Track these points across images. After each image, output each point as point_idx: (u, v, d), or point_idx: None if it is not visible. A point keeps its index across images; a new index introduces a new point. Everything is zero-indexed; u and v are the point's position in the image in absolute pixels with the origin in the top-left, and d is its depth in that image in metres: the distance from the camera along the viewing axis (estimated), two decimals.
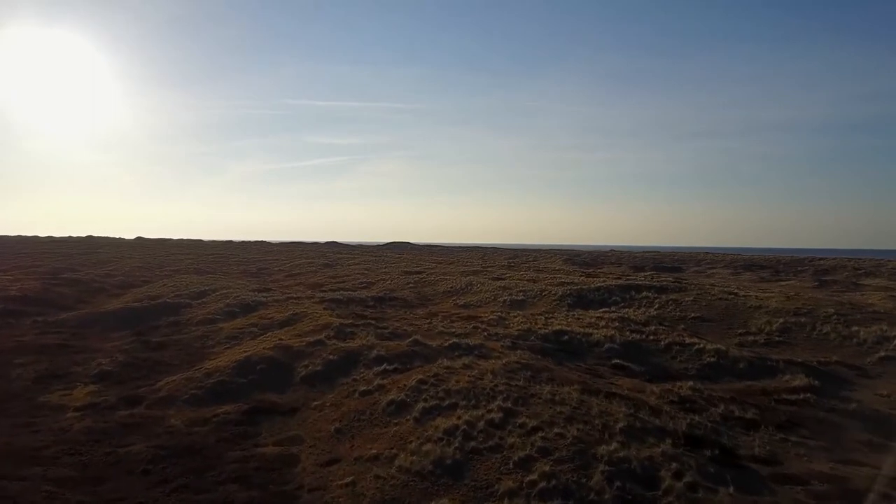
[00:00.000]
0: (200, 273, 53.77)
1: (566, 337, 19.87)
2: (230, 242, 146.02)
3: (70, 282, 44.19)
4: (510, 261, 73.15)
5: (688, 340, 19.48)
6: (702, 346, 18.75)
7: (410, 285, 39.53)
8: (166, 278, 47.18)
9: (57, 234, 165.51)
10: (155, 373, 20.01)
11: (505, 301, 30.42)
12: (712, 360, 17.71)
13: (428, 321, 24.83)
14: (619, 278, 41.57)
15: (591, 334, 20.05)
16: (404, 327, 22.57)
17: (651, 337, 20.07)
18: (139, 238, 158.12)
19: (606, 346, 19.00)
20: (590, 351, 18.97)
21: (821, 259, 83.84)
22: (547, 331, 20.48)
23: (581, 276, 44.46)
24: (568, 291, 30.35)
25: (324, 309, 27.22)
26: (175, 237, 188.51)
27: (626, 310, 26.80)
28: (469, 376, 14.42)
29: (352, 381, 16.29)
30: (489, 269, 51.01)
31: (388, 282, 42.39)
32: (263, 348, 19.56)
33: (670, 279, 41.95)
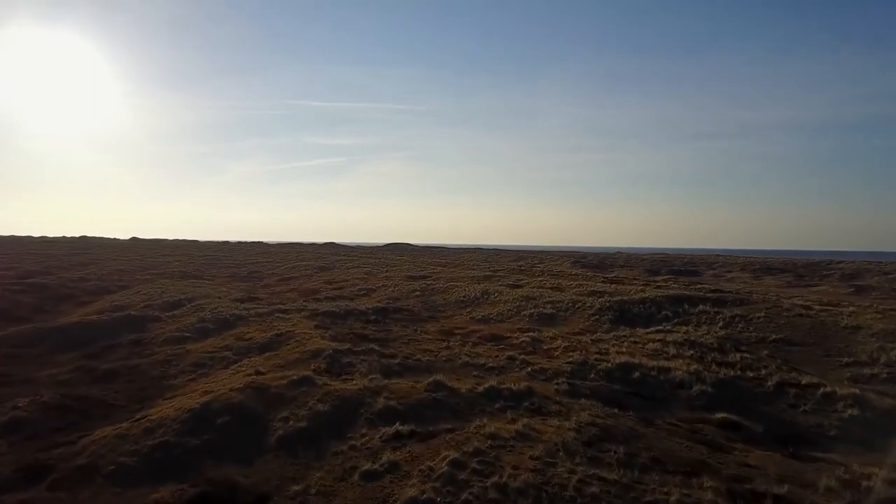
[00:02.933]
0: (185, 277, 48.30)
1: (637, 374, 14.53)
2: (226, 243, 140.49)
3: (35, 287, 38.70)
4: (517, 264, 67.84)
5: (804, 380, 14.16)
6: (828, 388, 13.45)
7: (416, 293, 34.14)
8: (145, 283, 41.69)
9: (53, 234, 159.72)
10: (85, 420, 14.67)
11: (532, 315, 25.08)
12: (853, 412, 12.41)
13: (444, 343, 19.49)
14: (647, 285, 36.30)
15: (668, 370, 14.71)
16: (417, 355, 17.21)
17: (749, 373, 14.74)
18: (134, 239, 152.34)
19: (696, 388, 13.67)
20: (674, 396, 13.64)
21: (839, 262, 78.80)
22: (609, 365, 15.12)
23: (601, 281, 39.20)
24: (607, 304, 25.00)
25: (315, 326, 21.83)
26: (173, 238, 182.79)
27: (684, 328, 21.51)
28: (532, 457, 9.08)
29: (349, 451, 10.93)
30: (499, 273, 45.66)
31: (391, 289, 37.01)
32: (230, 389, 14.15)
33: (699, 284, 36.73)
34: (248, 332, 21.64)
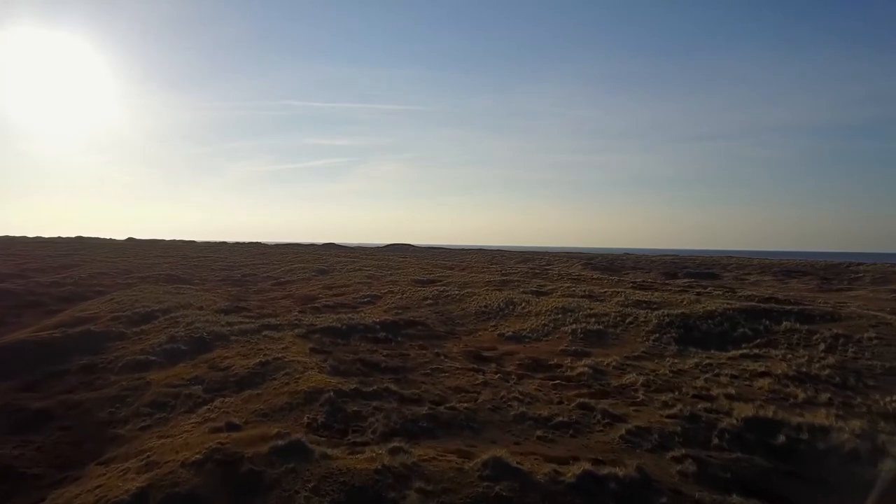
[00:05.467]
0: (171, 281, 43.29)
1: (782, 437, 9.78)
2: (223, 244, 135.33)
3: None
4: (527, 266, 63.10)
5: None
6: None
7: (428, 302, 29.32)
8: (124, 289, 36.72)
9: (51, 235, 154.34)
10: None
11: (575, 332, 20.30)
12: None
13: (479, 375, 14.68)
14: (685, 291, 31.60)
15: (826, 430, 9.94)
16: (449, 398, 12.40)
17: None
18: (130, 239, 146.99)
19: (886, 465, 8.90)
20: (852, 477, 8.88)
21: (858, 264, 74.32)
22: (734, 421, 10.34)
23: (631, 286, 34.47)
24: (665, 318, 20.25)
25: (311, 350, 17.00)
26: (172, 238, 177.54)
27: (774, 351, 16.76)
28: None
29: None
30: (515, 278, 40.86)
31: (399, 295, 32.19)
32: (183, 463, 9.33)
33: (748, 292, 32.11)
34: (226, 358, 16.78)
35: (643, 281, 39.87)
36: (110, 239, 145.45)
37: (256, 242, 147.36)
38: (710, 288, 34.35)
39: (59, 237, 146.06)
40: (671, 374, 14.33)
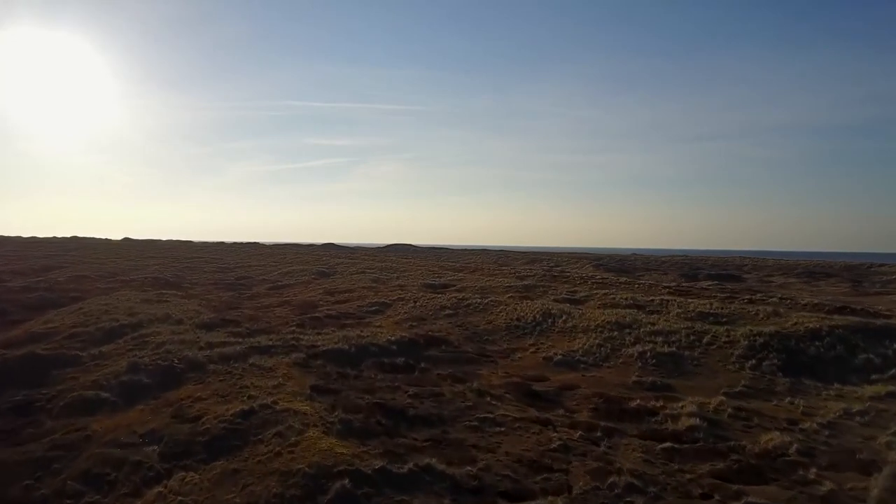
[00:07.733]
0: (157, 286, 38.62)
1: None
2: (221, 244, 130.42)
3: None
4: (538, 267, 58.69)
5: None
6: None
7: (447, 312, 24.86)
8: (102, 295, 32.11)
9: (47, 235, 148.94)
10: None
11: (643, 355, 15.88)
12: None
13: (548, 429, 10.29)
14: (730, 299, 27.23)
15: None
16: (522, 480, 8.02)
17: None
18: (126, 239, 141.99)
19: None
20: None
21: (881, 265, 70.25)
22: None
23: (669, 292, 30.12)
24: (759, 339, 15.84)
25: (311, 390, 12.50)
26: (169, 238, 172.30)
27: None
28: None
29: None
30: (533, 282, 36.44)
31: (411, 303, 27.71)
32: None
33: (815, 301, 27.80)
34: (198, 400, 12.28)
35: (678, 285, 35.53)
36: (106, 239, 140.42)
37: (254, 242, 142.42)
38: (759, 294, 29.97)
39: (54, 237, 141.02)
40: (826, 432, 9.92)
